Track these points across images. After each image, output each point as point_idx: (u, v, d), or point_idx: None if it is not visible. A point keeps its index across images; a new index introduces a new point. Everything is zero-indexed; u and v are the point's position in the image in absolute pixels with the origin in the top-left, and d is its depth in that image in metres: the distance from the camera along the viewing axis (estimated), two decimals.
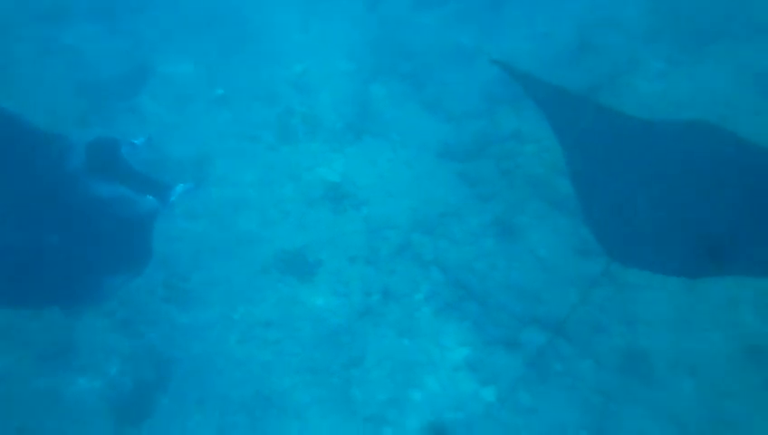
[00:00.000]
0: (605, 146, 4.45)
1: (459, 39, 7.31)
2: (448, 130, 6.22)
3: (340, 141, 6.30)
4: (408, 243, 5.29)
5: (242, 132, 6.29)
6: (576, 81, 6.53)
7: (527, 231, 5.17)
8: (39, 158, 3.93)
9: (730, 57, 6.69)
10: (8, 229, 3.79)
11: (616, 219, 3.90)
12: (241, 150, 6.05)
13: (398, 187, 5.78)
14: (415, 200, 5.63)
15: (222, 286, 4.86)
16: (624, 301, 4.53)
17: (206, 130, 6.22)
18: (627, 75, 6.74)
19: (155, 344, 4.44)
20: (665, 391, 4.12)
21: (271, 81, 6.95)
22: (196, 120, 6.37)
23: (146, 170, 4.07)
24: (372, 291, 4.90)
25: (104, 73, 6.70)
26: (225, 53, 7.29)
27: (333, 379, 4.43)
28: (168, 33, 7.35)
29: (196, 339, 4.51)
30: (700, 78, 6.61)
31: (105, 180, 3.90)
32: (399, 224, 5.45)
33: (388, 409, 4.32)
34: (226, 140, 6.18)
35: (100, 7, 7.30)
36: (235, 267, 5.03)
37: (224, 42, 7.41)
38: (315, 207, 5.60)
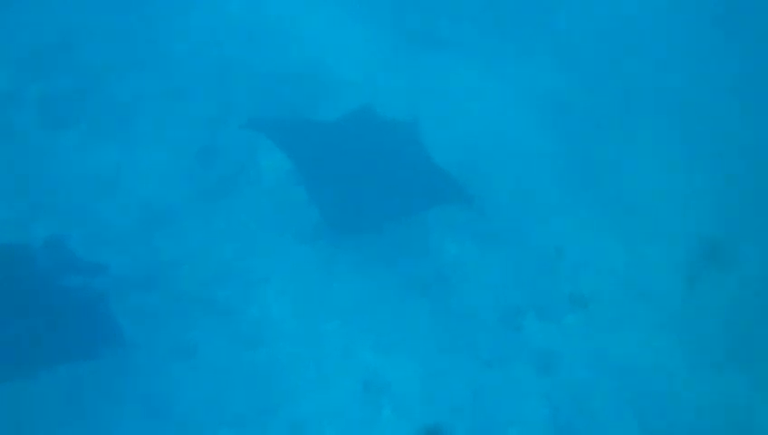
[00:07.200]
0: None
1: (100, 160, 7.93)
2: (111, 265, 7.00)
3: None
4: None
5: None
6: (208, 180, 7.76)
7: (200, 348, 6.50)
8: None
9: None
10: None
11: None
12: None
13: None
14: None
15: None
16: None
17: None
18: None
19: None
20: None
21: None
22: None
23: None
24: None
25: None
26: None
27: None
28: None
29: None
30: None
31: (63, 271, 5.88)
32: None
33: None
34: None
35: None
36: None
37: None
38: None
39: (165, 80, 8.67)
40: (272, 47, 9.08)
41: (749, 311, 6.91)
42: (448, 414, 6.24)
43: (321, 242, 7.27)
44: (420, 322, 6.75)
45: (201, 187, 7.70)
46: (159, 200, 7.53)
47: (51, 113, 8.30)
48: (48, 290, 6.17)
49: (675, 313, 6.85)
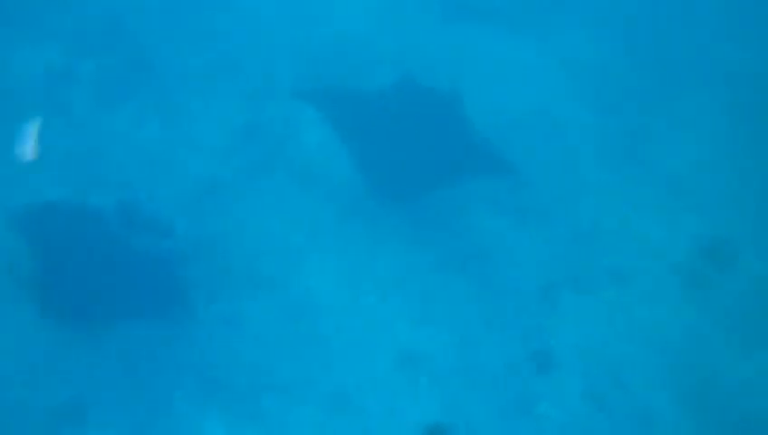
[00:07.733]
0: None
1: (150, 134, 8.25)
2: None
3: None
4: None
5: None
6: (254, 154, 8.03)
7: (247, 317, 6.84)
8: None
9: None
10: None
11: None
12: None
13: None
14: None
15: None
16: None
17: None
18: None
19: None
20: None
21: None
22: None
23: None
24: None
25: None
26: None
27: None
28: None
29: None
30: None
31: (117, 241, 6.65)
32: None
33: None
34: None
35: None
36: None
37: None
38: None
39: (210, 55, 8.85)
40: (314, 20, 9.14)
41: None
42: (485, 387, 6.43)
43: (361, 216, 7.45)
44: (458, 295, 6.90)
45: (246, 160, 7.95)
46: (207, 174, 7.81)
47: (104, 89, 8.62)
48: (102, 259, 6.65)
49: (712, 288, 6.78)
